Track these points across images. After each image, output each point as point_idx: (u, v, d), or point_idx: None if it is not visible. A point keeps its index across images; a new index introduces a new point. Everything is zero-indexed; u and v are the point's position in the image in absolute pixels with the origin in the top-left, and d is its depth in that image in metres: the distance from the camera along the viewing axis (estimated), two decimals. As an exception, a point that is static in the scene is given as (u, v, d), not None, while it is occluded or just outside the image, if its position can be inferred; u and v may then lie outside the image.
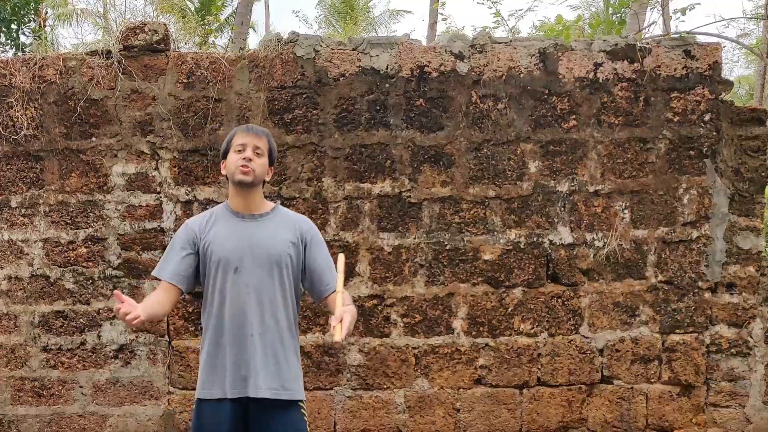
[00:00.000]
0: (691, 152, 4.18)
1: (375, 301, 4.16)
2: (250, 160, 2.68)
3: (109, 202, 4.14)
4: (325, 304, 2.80)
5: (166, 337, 4.16)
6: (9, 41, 8.55)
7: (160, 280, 2.75)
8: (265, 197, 4.04)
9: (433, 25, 14.84)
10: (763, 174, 4.22)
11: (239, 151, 2.71)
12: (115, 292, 2.51)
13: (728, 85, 4.21)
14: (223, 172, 2.80)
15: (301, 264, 2.76)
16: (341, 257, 2.85)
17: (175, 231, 4.07)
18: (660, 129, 4.17)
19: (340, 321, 2.44)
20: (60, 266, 4.15)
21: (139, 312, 2.45)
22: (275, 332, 2.68)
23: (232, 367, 2.64)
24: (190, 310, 4.11)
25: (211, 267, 2.70)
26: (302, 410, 2.75)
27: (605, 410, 4.21)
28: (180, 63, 4.14)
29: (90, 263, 4.15)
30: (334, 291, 2.67)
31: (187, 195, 4.14)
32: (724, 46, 6.59)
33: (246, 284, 2.66)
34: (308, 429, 2.80)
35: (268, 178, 2.82)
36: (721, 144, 4.21)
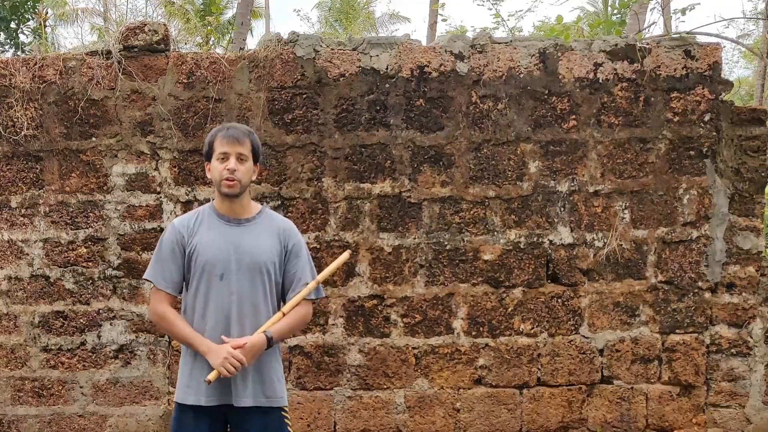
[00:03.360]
0: (691, 152, 4.18)
1: (375, 301, 4.16)
2: (235, 170, 2.64)
3: (109, 202, 4.14)
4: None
5: (166, 337, 4.16)
6: (8, 40, 8.55)
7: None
8: (265, 198, 4.07)
9: (432, 26, 14.85)
10: (763, 174, 4.22)
11: (222, 159, 2.67)
12: (232, 354, 2.57)
13: (728, 85, 4.21)
14: (208, 175, 2.76)
15: (281, 271, 2.76)
16: (345, 255, 2.89)
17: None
18: (660, 129, 4.17)
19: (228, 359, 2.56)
20: (60, 266, 4.15)
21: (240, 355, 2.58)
22: None
23: (205, 373, 2.61)
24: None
25: (195, 271, 2.69)
26: (285, 417, 2.74)
27: (605, 410, 4.21)
28: (180, 63, 4.14)
29: (90, 263, 4.15)
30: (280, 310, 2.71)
31: (187, 195, 4.14)
32: (724, 47, 6.59)
33: (230, 291, 2.66)
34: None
35: (254, 178, 2.79)
36: (721, 144, 4.21)
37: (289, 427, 2.75)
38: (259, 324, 2.67)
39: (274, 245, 2.72)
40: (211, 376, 2.57)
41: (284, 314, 2.68)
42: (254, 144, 2.75)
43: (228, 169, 2.64)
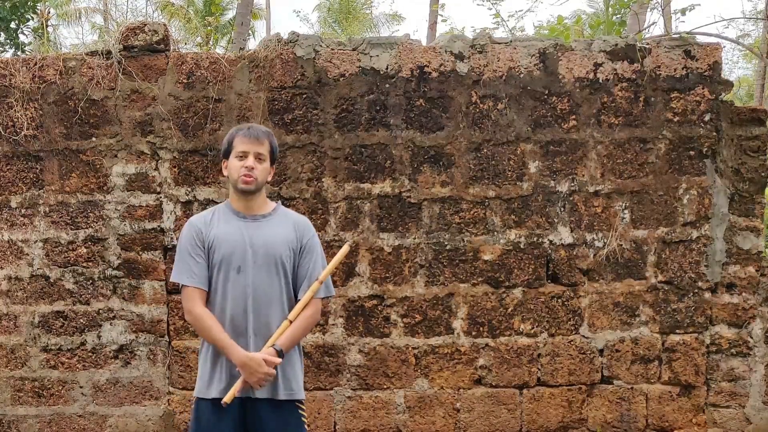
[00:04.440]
0: (691, 152, 4.18)
1: (375, 302, 4.16)
2: (253, 168, 2.69)
3: (109, 202, 4.14)
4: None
5: (166, 337, 4.16)
6: (8, 40, 8.55)
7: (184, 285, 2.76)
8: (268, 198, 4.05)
9: (432, 26, 14.85)
10: (763, 174, 4.22)
11: (241, 157, 2.71)
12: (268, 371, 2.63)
13: (728, 85, 4.21)
14: (224, 172, 2.81)
15: (296, 266, 2.78)
16: (345, 248, 2.88)
17: (175, 231, 4.08)
18: (660, 129, 4.17)
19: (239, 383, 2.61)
20: (60, 266, 4.15)
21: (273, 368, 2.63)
22: (274, 332, 2.70)
23: (231, 367, 2.66)
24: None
25: (213, 266, 2.73)
26: (300, 411, 2.77)
27: (605, 410, 4.21)
28: (180, 63, 4.14)
29: (90, 263, 4.15)
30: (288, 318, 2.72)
31: (187, 195, 4.14)
32: (724, 47, 6.59)
33: (247, 284, 2.69)
34: (308, 429, 2.82)
35: (269, 179, 2.84)
36: (721, 144, 4.21)
37: (304, 419, 2.77)
38: (275, 317, 2.70)
39: (289, 237, 2.75)
40: (228, 398, 2.59)
41: (291, 322, 2.70)
42: (273, 146, 2.80)
43: (246, 167, 2.69)
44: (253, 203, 2.77)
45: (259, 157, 2.72)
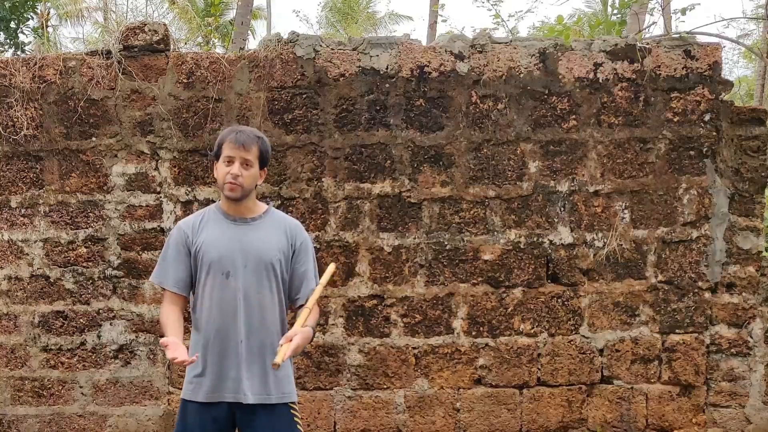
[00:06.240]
0: (691, 152, 4.18)
1: (375, 301, 4.16)
2: (238, 176, 2.64)
3: (109, 202, 4.14)
4: (293, 313, 2.82)
5: (166, 337, 4.16)
6: (8, 40, 8.54)
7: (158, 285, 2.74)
8: (265, 198, 4.06)
9: (432, 26, 14.85)
10: (763, 174, 4.22)
11: (228, 163, 2.66)
12: (162, 341, 2.51)
13: (728, 85, 4.21)
14: (215, 173, 2.77)
15: (289, 269, 2.75)
16: (331, 267, 2.84)
17: (175, 231, 4.08)
18: (660, 129, 4.17)
19: (289, 341, 2.48)
20: (60, 266, 4.15)
21: (186, 354, 2.48)
22: (265, 336, 2.67)
23: (219, 371, 2.63)
24: (189, 310, 4.11)
25: (201, 270, 2.69)
26: (293, 412, 2.73)
27: (605, 410, 4.21)
28: (180, 63, 4.14)
29: (90, 263, 4.15)
30: (304, 305, 2.68)
31: (187, 195, 4.14)
32: (724, 47, 6.59)
33: (236, 289, 2.65)
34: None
35: (260, 182, 2.78)
36: (721, 144, 4.21)
37: (297, 421, 2.74)
38: (266, 322, 2.67)
39: (281, 242, 2.72)
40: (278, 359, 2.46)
41: (310, 310, 2.65)
42: (262, 150, 2.72)
43: (231, 174, 2.65)
44: (243, 207, 2.73)
45: (245, 164, 2.65)
